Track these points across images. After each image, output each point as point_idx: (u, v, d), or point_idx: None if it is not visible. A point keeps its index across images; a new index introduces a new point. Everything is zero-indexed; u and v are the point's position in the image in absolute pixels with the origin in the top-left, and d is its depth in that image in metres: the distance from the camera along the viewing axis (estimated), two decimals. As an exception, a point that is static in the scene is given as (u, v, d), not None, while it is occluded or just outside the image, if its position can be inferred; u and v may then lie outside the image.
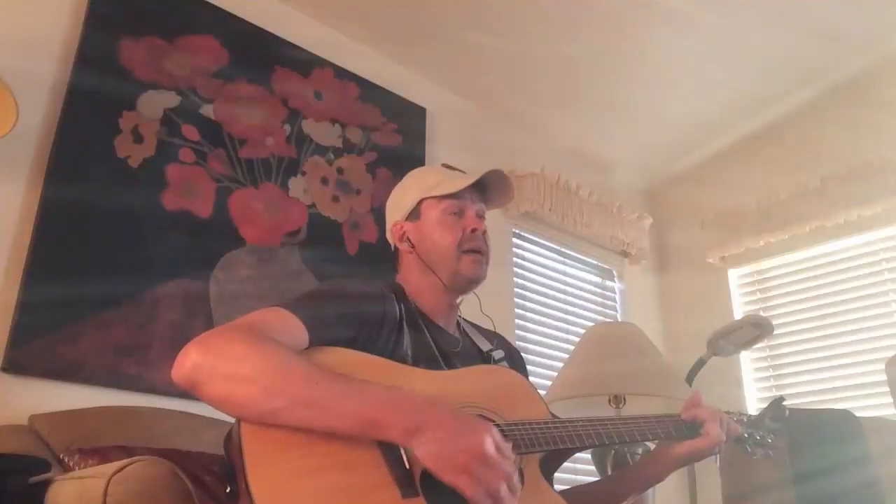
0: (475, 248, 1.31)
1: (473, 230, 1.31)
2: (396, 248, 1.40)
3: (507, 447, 0.98)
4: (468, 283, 1.33)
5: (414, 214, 1.36)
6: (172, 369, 0.96)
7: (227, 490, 0.94)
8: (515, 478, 0.95)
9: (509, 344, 1.49)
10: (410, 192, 1.38)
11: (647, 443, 1.99)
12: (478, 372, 1.26)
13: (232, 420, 0.97)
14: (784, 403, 1.44)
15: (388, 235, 1.43)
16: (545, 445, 1.13)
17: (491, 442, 0.94)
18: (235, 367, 0.95)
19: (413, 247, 1.35)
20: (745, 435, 1.40)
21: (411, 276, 1.36)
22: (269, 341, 0.99)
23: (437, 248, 1.31)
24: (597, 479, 1.53)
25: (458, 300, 1.38)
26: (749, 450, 1.39)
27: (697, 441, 1.30)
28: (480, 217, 1.35)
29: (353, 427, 0.95)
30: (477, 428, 0.95)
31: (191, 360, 0.95)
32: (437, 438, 0.93)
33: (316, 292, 1.20)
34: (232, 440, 0.95)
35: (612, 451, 2.18)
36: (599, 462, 2.24)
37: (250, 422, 0.94)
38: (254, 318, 1.05)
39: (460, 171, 1.41)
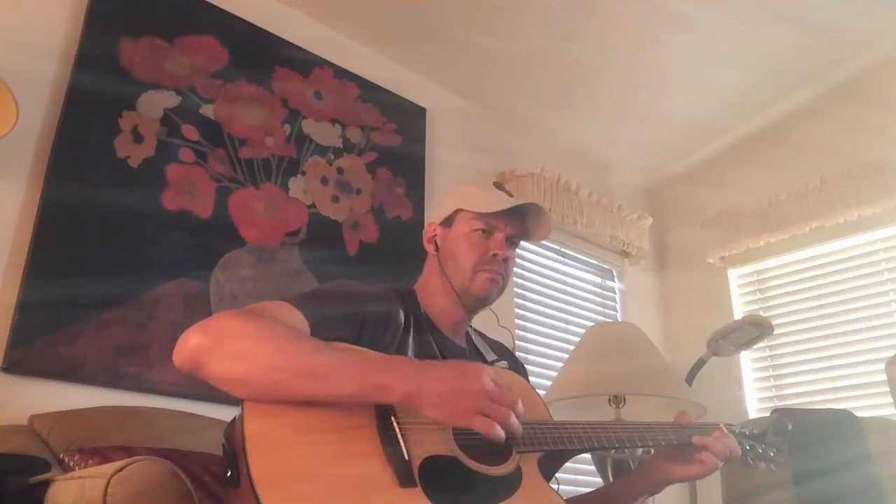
0: (491, 270, 1.31)
1: (495, 255, 1.31)
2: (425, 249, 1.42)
3: (502, 375, 1.03)
4: (476, 302, 1.33)
5: (448, 221, 1.37)
6: (174, 353, 0.97)
7: (228, 474, 0.95)
8: (519, 403, 1.01)
9: (515, 357, 1.50)
10: (451, 198, 1.39)
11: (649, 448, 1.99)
12: None
13: (234, 414, 0.97)
14: (786, 419, 1.45)
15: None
16: (545, 446, 1.14)
17: (489, 379, 0.99)
18: (235, 344, 0.96)
19: (437, 250, 1.36)
20: (747, 447, 1.40)
21: (430, 278, 1.37)
22: (268, 319, 1.01)
23: (456, 260, 1.32)
24: (594, 489, 1.55)
25: (469, 316, 1.38)
26: (751, 462, 1.40)
27: (692, 467, 1.31)
28: (510, 244, 1.35)
29: (355, 393, 0.97)
30: (472, 371, 1.00)
31: (192, 342, 0.96)
32: (440, 394, 0.97)
33: (320, 291, 1.21)
34: (234, 428, 0.96)
35: (612, 454, 2.18)
36: (600, 464, 2.24)
37: (254, 398, 0.95)
38: (256, 305, 1.06)
39: (507, 191, 1.42)
